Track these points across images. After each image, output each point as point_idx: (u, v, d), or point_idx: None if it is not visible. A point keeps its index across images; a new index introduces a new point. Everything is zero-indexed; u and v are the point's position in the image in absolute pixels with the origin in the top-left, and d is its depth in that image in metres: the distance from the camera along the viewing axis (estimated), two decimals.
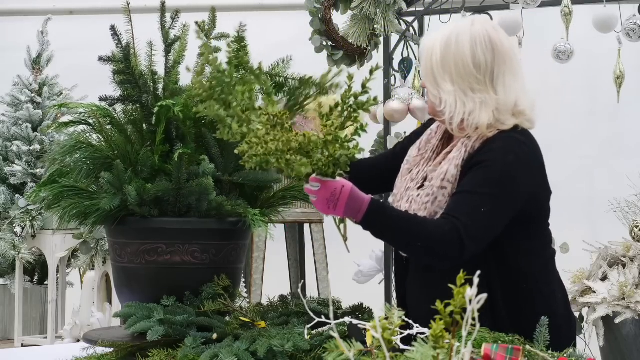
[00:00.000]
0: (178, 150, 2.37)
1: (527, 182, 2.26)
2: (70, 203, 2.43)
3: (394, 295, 4.14)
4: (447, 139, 2.37)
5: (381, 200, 2.27)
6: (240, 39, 2.54)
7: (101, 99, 2.51)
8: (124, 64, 2.48)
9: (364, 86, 2.18)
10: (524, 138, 2.28)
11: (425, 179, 2.32)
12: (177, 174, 2.36)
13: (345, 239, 2.30)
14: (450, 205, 2.21)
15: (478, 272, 1.30)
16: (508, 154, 2.23)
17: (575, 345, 2.31)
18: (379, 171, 2.51)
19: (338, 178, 2.17)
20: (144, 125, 2.49)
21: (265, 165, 2.10)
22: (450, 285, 1.31)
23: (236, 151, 2.13)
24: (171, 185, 2.35)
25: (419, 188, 2.32)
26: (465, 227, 2.16)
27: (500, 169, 2.21)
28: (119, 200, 2.34)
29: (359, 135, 2.19)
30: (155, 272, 2.40)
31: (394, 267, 2.50)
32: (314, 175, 2.15)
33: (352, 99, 2.18)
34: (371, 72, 2.19)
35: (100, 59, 2.49)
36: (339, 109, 2.18)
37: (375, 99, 2.19)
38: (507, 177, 2.21)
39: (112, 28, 2.48)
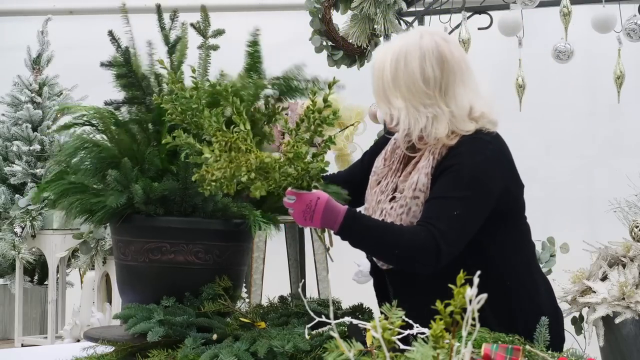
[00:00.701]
0: (185, 150, 2.37)
1: (498, 179, 2.27)
2: (76, 199, 2.43)
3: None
4: (412, 147, 2.36)
5: (357, 210, 2.27)
6: (254, 43, 2.54)
7: (107, 104, 2.50)
8: (125, 67, 2.47)
9: (325, 101, 2.20)
10: (490, 137, 2.29)
11: (395, 190, 2.33)
12: (184, 173, 2.36)
13: (327, 248, 2.33)
14: (424, 212, 2.24)
15: (478, 272, 1.30)
16: (475, 155, 2.24)
17: (563, 339, 2.33)
18: (354, 185, 2.51)
19: (314, 190, 2.19)
20: (149, 125, 2.49)
21: (223, 189, 2.13)
22: (450, 285, 1.31)
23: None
24: (178, 184, 2.35)
25: (390, 200, 2.33)
26: (441, 232, 2.18)
27: (469, 171, 2.23)
28: (126, 197, 2.34)
29: (329, 148, 2.21)
30: (159, 271, 2.40)
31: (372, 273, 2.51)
32: (289, 189, 2.17)
33: (316, 114, 2.19)
34: (329, 86, 2.21)
35: (102, 64, 2.49)
36: (304, 124, 2.19)
37: (335, 113, 2.20)
38: (476, 178, 2.23)
39: (110, 33, 2.47)
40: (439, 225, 2.18)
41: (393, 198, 2.32)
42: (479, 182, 2.23)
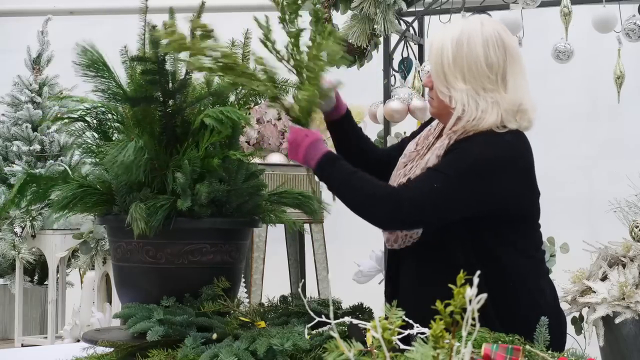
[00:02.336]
0: (237, 154, 2.40)
1: (505, 180, 2.23)
2: (90, 201, 2.44)
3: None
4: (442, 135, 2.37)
5: (337, 155, 2.35)
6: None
7: (126, 97, 2.48)
8: (155, 64, 2.46)
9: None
10: (511, 137, 2.27)
11: None
12: (234, 175, 2.39)
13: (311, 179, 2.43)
14: (410, 177, 2.27)
15: (478, 272, 1.30)
16: (487, 148, 2.22)
17: (564, 343, 2.32)
18: (385, 164, 2.52)
19: (311, 129, 2.29)
20: (176, 127, 2.47)
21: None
22: (450, 286, 1.31)
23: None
24: (225, 186, 2.36)
25: None
26: (411, 194, 2.19)
27: (473, 159, 2.20)
28: (190, 200, 2.33)
29: (316, 80, 2.31)
30: (201, 272, 2.41)
31: (385, 265, 2.51)
32: (290, 124, 2.30)
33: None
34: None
35: (132, 59, 2.48)
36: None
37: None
38: (476, 168, 2.20)
39: (152, 27, 2.46)
40: (413, 187, 2.20)
41: None
42: (476, 173, 2.19)
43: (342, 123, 2.52)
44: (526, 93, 2.30)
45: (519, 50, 2.34)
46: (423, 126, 2.55)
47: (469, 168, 2.19)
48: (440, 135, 2.37)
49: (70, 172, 2.58)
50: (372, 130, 4.70)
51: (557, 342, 2.20)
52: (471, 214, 2.23)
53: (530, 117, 2.30)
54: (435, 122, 2.43)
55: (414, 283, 2.35)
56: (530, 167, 2.31)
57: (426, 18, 4.47)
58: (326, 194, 2.86)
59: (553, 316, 2.27)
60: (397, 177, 2.38)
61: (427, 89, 2.40)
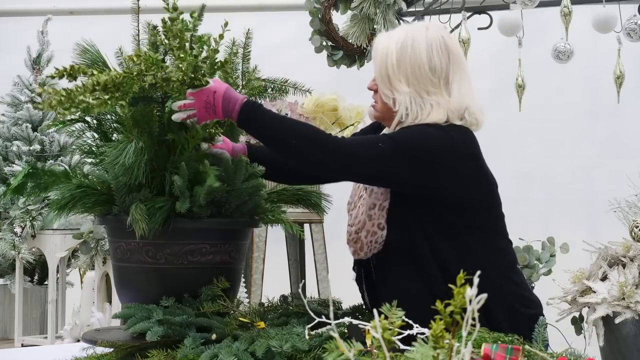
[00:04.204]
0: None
1: (448, 168, 2.24)
2: (90, 201, 2.44)
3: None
4: None
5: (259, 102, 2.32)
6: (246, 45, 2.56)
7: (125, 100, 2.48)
8: (154, 63, 2.45)
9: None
10: (453, 127, 2.28)
11: None
12: (234, 175, 2.38)
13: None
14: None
15: (478, 272, 1.30)
16: (429, 128, 2.25)
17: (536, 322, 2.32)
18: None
19: (211, 83, 2.23)
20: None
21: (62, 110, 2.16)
22: (451, 286, 1.31)
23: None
24: (225, 186, 2.35)
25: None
26: (355, 145, 2.20)
27: (420, 141, 2.22)
28: (189, 202, 2.33)
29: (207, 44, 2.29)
30: (200, 272, 2.41)
31: (355, 276, 2.51)
32: (188, 90, 2.22)
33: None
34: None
35: (131, 57, 2.47)
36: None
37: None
38: (422, 149, 2.22)
39: (154, 27, 2.46)
40: (357, 140, 2.25)
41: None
42: (422, 151, 2.21)
43: (252, 155, 2.49)
44: (471, 98, 2.32)
45: (463, 56, 2.37)
46: (366, 130, 2.56)
47: (417, 145, 2.22)
48: None
49: (70, 172, 2.58)
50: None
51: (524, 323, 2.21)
52: (407, 189, 2.25)
53: (478, 118, 2.32)
54: (385, 130, 2.44)
55: (390, 287, 2.35)
56: (475, 157, 2.31)
57: (426, 18, 4.47)
58: (325, 190, 2.86)
59: (522, 304, 2.28)
60: (358, 191, 2.40)
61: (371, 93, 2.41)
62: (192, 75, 2.23)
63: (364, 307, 2.48)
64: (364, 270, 2.43)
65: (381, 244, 2.32)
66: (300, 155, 2.24)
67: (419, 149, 2.22)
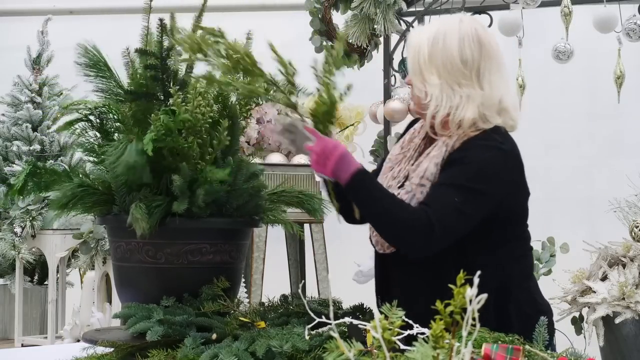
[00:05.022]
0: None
1: (503, 181, 2.27)
2: (90, 201, 2.44)
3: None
4: (430, 138, 2.38)
5: (370, 173, 2.30)
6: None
7: (127, 92, 2.48)
8: (159, 60, 2.46)
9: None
10: (502, 139, 2.29)
11: (406, 178, 2.34)
12: (235, 174, 2.38)
13: (336, 208, 2.35)
14: (426, 196, 2.24)
15: (478, 272, 1.30)
16: (486, 151, 2.24)
17: (552, 338, 2.33)
18: None
19: (334, 139, 2.25)
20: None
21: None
22: (451, 286, 1.31)
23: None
24: (226, 186, 2.35)
25: (400, 187, 2.33)
26: (438, 217, 2.18)
27: (477, 166, 2.23)
28: (187, 202, 2.33)
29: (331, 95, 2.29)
30: (200, 272, 2.41)
31: (374, 269, 2.51)
32: (315, 131, 2.24)
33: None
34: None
35: (136, 51, 2.48)
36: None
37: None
38: (483, 173, 2.23)
39: (161, 21, 2.46)
40: (437, 208, 2.19)
41: (403, 185, 2.33)
42: (485, 178, 2.23)
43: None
44: (505, 90, 2.32)
45: (499, 51, 2.36)
46: (405, 130, 2.56)
47: (477, 173, 2.22)
48: (431, 138, 2.37)
49: (70, 172, 2.58)
50: (372, 130, 4.70)
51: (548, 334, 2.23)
52: (484, 216, 2.26)
53: (513, 116, 2.33)
54: (419, 124, 2.44)
55: (407, 285, 2.35)
56: (521, 166, 2.34)
57: (426, 18, 4.47)
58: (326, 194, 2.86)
59: (541, 310, 2.29)
60: (385, 180, 2.39)
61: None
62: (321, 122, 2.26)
63: (364, 305, 2.48)
64: (382, 263, 2.43)
65: None
66: (397, 239, 2.26)
67: (485, 183, 2.23)
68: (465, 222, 2.23)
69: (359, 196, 2.25)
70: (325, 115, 2.25)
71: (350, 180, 2.23)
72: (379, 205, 2.23)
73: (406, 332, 1.94)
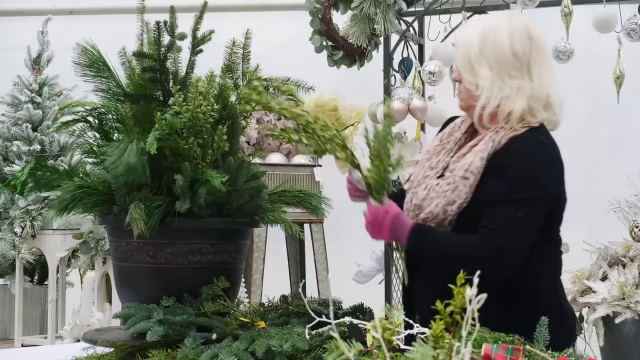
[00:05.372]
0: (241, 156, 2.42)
1: (553, 184, 2.29)
2: (90, 201, 2.44)
3: (394, 295, 4.14)
4: (471, 133, 2.39)
5: (425, 225, 2.29)
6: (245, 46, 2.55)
7: (126, 95, 2.48)
8: (157, 62, 2.45)
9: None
10: (547, 140, 2.33)
11: (445, 168, 2.34)
12: (235, 175, 2.38)
13: (401, 270, 2.33)
14: (486, 217, 2.23)
15: (478, 272, 1.30)
16: (534, 156, 2.26)
17: (573, 345, 2.33)
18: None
19: (387, 203, 2.24)
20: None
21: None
22: (450, 286, 1.31)
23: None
24: (227, 186, 2.35)
25: (438, 177, 2.34)
26: (505, 238, 2.20)
27: (527, 172, 2.24)
28: (189, 202, 2.33)
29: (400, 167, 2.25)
30: (200, 272, 2.41)
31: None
32: (369, 199, 2.25)
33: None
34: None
35: (134, 54, 2.48)
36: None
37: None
38: (534, 178, 2.25)
39: (158, 23, 2.45)
40: (503, 232, 2.21)
41: (442, 175, 2.34)
42: (537, 183, 2.25)
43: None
44: (552, 86, 2.36)
45: (546, 45, 2.39)
46: (443, 126, 2.56)
47: (530, 181, 2.24)
48: (472, 133, 2.38)
49: (71, 171, 2.58)
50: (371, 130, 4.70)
51: (569, 339, 2.23)
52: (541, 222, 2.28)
53: (557, 113, 2.37)
54: (460, 119, 2.45)
55: (431, 287, 2.35)
56: (563, 168, 2.35)
57: (426, 18, 4.47)
58: (325, 192, 2.86)
59: (566, 315, 2.30)
60: (422, 170, 2.39)
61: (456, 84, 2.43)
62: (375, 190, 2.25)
63: (364, 305, 2.48)
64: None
65: None
66: (481, 277, 2.26)
67: (539, 191, 2.25)
68: (530, 234, 2.25)
69: (423, 252, 2.28)
70: (378, 187, 2.24)
71: (409, 241, 2.25)
72: (445, 253, 2.26)
73: (406, 332, 1.94)
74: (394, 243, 2.32)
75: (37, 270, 5.18)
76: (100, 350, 2.31)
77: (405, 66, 4.35)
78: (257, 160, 3.44)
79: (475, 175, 2.26)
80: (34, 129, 5.03)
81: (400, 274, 2.37)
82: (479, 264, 2.17)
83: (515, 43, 2.30)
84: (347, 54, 4.27)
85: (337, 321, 2.01)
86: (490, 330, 1.93)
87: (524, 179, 2.24)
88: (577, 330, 3.07)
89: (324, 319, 1.98)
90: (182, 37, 2.51)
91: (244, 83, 2.55)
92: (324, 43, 4.29)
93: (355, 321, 1.98)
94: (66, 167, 3.16)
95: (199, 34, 2.53)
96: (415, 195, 2.36)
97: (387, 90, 4.33)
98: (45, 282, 5.08)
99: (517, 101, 2.28)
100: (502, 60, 2.29)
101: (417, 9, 4.43)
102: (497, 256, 2.20)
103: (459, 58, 2.36)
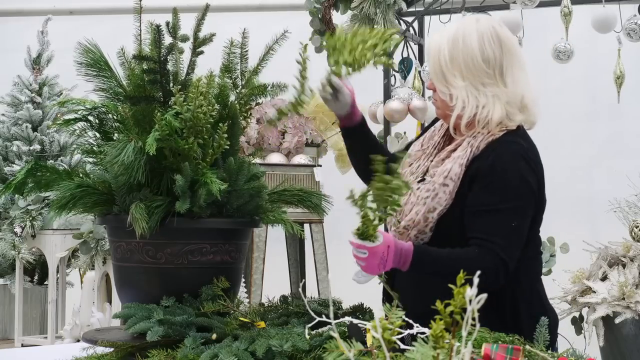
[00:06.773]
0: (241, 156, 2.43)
1: (536, 188, 2.29)
2: (90, 201, 2.44)
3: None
4: (449, 137, 2.38)
5: (422, 246, 2.29)
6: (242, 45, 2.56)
7: (126, 97, 2.48)
8: (157, 63, 2.46)
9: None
10: (527, 144, 2.32)
11: (425, 173, 2.34)
12: (235, 175, 2.38)
13: (395, 295, 2.33)
14: (481, 228, 2.24)
15: (478, 272, 1.30)
16: (518, 161, 2.26)
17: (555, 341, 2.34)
18: None
19: (381, 239, 2.18)
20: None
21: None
22: (451, 286, 1.31)
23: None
24: (228, 187, 2.35)
25: (419, 182, 2.33)
26: (503, 248, 2.21)
27: (515, 180, 2.25)
28: (189, 202, 2.33)
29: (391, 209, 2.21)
30: (199, 272, 2.41)
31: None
32: (357, 241, 2.19)
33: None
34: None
35: (135, 57, 2.48)
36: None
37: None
38: (523, 185, 2.26)
39: (157, 27, 2.45)
40: (500, 242, 2.22)
41: (422, 180, 2.34)
42: (524, 189, 2.26)
43: (354, 130, 2.50)
44: (526, 87, 2.33)
45: (517, 45, 2.36)
46: (426, 128, 2.56)
47: (519, 187, 2.25)
48: (451, 137, 2.37)
49: (71, 171, 2.58)
50: (372, 131, 4.69)
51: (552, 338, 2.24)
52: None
53: (533, 112, 2.35)
54: (439, 122, 2.45)
55: (412, 286, 2.35)
56: (542, 167, 2.35)
57: (426, 18, 4.47)
58: (325, 190, 2.86)
59: (548, 314, 2.30)
60: (404, 177, 2.39)
61: (431, 92, 2.42)
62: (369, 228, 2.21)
63: (364, 305, 2.48)
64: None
65: (424, 241, 2.32)
66: (484, 287, 2.27)
67: (525, 195, 2.26)
68: (522, 241, 2.27)
69: (425, 272, 2.27)
70: (371, 227, 2.19)
71: (412, 267, 2.23)
72: (448, 272, 2.21)
73: (406, 332, 1.94)
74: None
75: (37, 270, 5.18)
76: (100, 350, 2.32)
77: (405, 66, 4.35)
78: (257, 160, 3.44)
79: (455, 182, 2.26)
80: (34, 129, 5.03)
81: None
82: (482, 276, 2.18)
83: (485, 48, 2.27)
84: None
85: (337, 321, 2.01)
86: None
87: (513, 187, 2.24)
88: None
89: (324, 319, 1.98)
90: (185, 39, 2.51)
91: (243, 83, 2.56)
92: (324, 43, 4.29)
93: (355, 321, 1.98)
94: (66, 167, 3.17)
95: (201, 35, 2.53)
96: (405, 215, 2.36)
97: (387, 91, 4.33)
98: (45, 282, 5.08)
99: (495, 109, 2.27)
100: (474, 67, 2.27)
101: (417, 9, 4.43)
102: (499, 267, 2.21)
103: (431, 68, 2.35)
